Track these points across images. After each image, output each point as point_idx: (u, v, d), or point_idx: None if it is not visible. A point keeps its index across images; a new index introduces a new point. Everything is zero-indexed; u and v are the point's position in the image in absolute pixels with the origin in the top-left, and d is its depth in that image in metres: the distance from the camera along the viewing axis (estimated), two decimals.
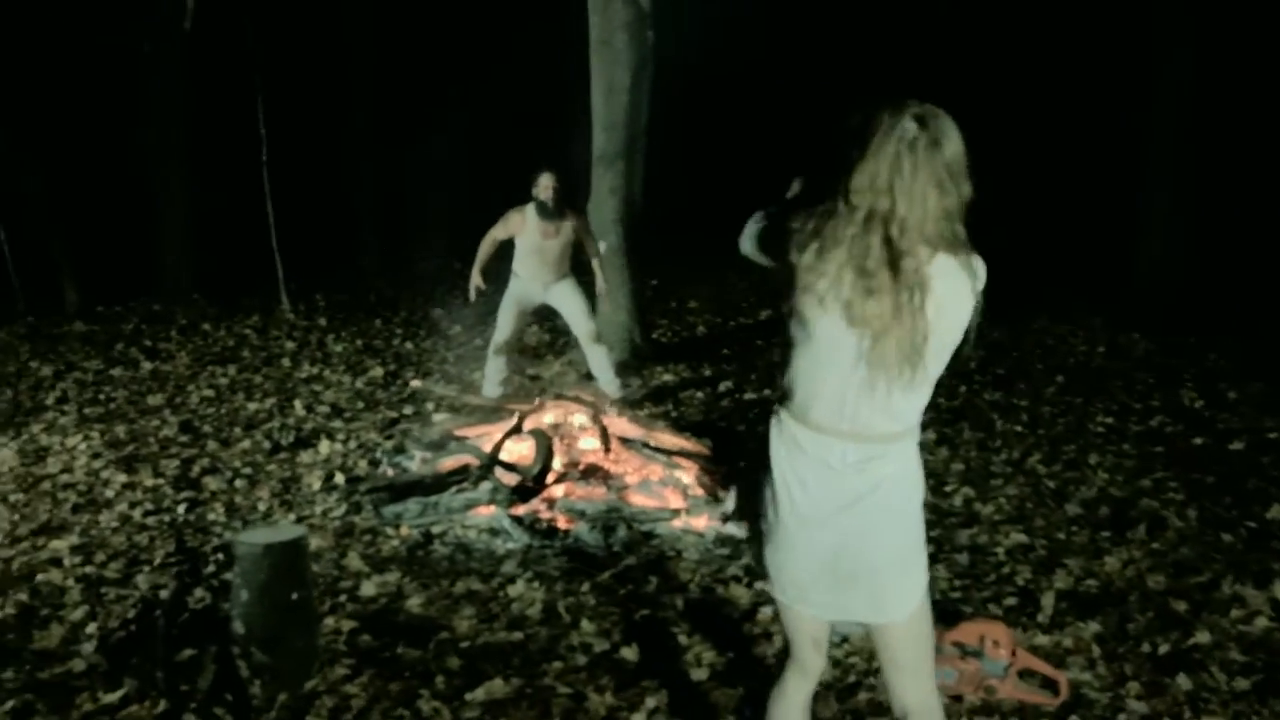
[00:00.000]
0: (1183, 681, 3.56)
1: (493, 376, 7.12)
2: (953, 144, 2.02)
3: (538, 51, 12.97)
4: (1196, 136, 9.78)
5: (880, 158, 1.99)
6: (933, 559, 4.61)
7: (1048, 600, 4.13)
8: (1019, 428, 6.66)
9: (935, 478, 5.66)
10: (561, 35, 8.95)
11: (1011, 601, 4.19)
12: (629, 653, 3.72)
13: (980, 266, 2.13)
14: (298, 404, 7.11)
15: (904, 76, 14.72)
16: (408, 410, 7.04)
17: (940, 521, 5.06)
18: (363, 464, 5.86)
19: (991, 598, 4.24)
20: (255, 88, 9.67)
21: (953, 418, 6.85)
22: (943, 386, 7.98)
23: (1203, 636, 3.88)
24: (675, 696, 3.44)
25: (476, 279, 6.80)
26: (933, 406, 7.08)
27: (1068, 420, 6.79)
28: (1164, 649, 3.79)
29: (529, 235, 6.62)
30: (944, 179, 2.00)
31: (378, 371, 8.07)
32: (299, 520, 5.05)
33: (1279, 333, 8.81)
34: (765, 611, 4.06)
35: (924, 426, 7.35)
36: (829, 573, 2.27)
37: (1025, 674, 3.50)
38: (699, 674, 3.60)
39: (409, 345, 9.16)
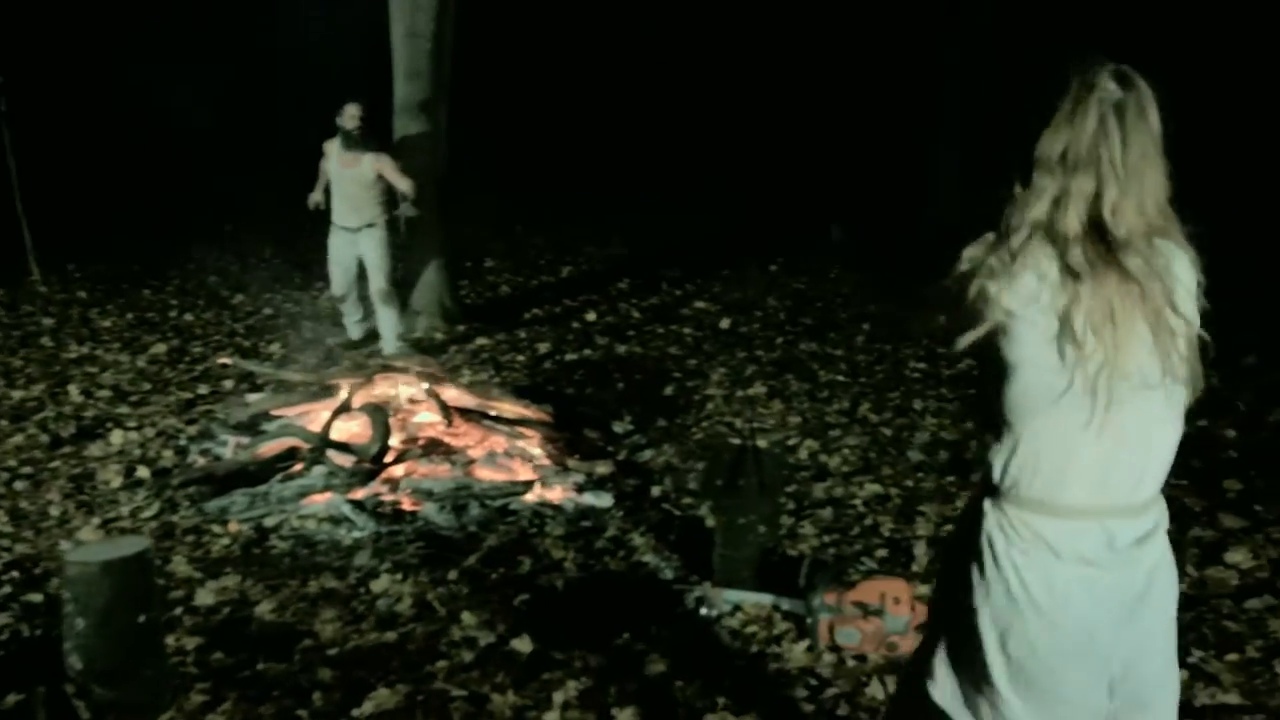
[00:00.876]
0: None
1: (350, 318, 7.31)
2: (1156, 109, 1.65)
3: None
4: (983, 92, 10.24)
5: (1077, 125, 1.61)
6: (795, 514, 4.61)
7: (920, 549, 4.19)
8: (841, 377, 6.79)
9: (778, 432, 5.68)
10: None
11: (883, 553, 4.22)
12: (520, 644, 3.47)
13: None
14: (72, 389, 6.30)
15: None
16: (203, 389, 6.38)
17: (793, 476, 5.06)
18: (167, 454, 5.25)
19: (863, 550, 4.26)
20: None
21: (776, 370, 6.90)
22: (760, 340, 8.02)
23: None
24: (582, 687, 3.23)
25: (316, 195, 6.95)
26: (753, 360, 7.24)
27: (884, 368, 6.98)
28: None
29: (332, 166, 6.75)
30: (1156, 151, 1.64)
31: (160, 348, 7.29)
32: (104, 525, 4.44)
33: None
34: (652, 581, 3.91)
35: (750, 379, 7.29)
36: (1101, 715, 1.77)
37: (922, 627, 3.51)
38: (598, 660, 3.40)
39: (188, 317, 8.34)
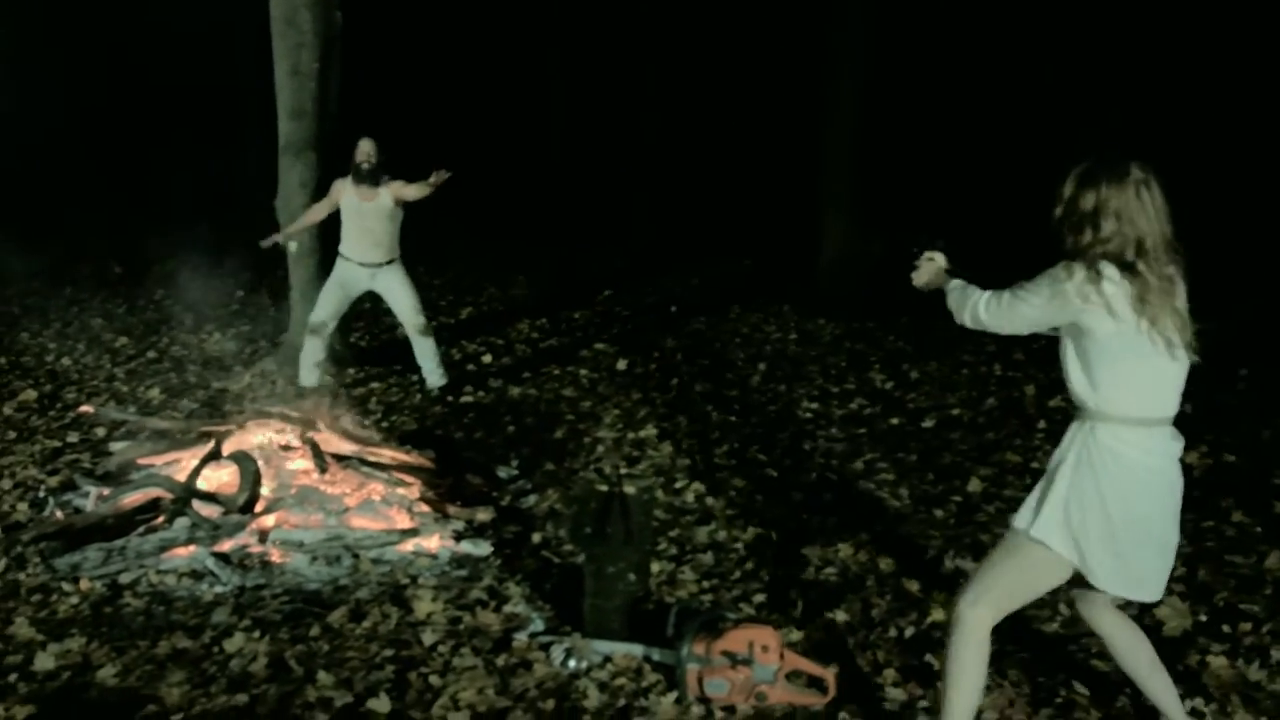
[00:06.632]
0: (931, 661, 3.66)
1: (308, 359, 6.96)
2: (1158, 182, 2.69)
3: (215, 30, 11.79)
4: (868, 132, 10.24)
5: (1122, 193, 2.64)
6: (677, 560, 4.55)
7: (796, 594, 4.15)
8: (733, 418, 6.77)
9: (665, 474, 5.62)
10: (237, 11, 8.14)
11: (760, 598, 4.18)
12: (377, 704, 3.34)
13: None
14: None
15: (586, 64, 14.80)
16: (72, 438, 6.11)
17: (677, 520, 5.01)
18: (23, 507, 4.99)
19: (741, 596, 4.21)
20: None
21: (669, 411, 6.87)
22: (655, 380, 7.98)
23: (938, 614, 4.03)
24: None
25: (281, 236, 6.96)
26: (648, 401, 7.20)
27: (777, 408, 7.00)
28: (909, 631, 3.90)
29: (347, 198, 6.63)
30: (1165, 208, 2.66)
31: (30, 394, 6.98)
32: None
33: (947, 314, 9.57)
34: (519, 638, 3.81)
35: (643, 422, 7.18)
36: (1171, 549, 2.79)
37: (793, 675, 3.46)
38: (459, 718, 3.28)
39: (66, 361, 8.02)
